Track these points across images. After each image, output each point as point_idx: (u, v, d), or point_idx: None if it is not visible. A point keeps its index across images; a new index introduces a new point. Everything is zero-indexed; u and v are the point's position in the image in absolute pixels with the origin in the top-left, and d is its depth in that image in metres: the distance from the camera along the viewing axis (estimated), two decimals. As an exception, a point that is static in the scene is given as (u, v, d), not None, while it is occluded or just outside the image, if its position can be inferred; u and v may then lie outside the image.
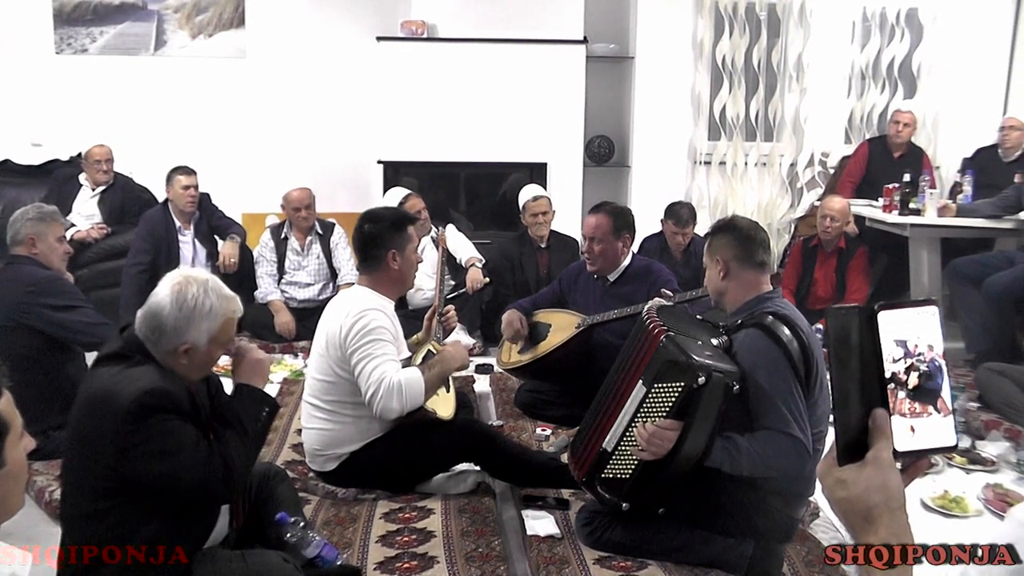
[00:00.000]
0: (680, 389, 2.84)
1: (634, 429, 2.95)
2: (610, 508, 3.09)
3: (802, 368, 2.88)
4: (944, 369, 1.10)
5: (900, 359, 1.08)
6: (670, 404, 2.87)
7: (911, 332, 1.09)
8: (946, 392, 1.10)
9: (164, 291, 2.50)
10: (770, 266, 3.15)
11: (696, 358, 2.81)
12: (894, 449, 1.07)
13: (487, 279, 5.93)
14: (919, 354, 1.09)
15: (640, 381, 2.97)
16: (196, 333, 2.50)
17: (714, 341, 2.96)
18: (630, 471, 3.00)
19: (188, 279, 2.53)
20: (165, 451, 2.39)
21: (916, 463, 1.12)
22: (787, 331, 2.90)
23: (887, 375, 1.08)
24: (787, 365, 2.86)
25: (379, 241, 3.57)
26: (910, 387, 1.09)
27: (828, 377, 2.99)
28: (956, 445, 1.10)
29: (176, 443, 2.41)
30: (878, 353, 1.08)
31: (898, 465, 1.09)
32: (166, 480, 2.41)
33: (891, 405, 1.08)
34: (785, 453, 2.84)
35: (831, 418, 2.34)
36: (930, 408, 1.09)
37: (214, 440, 2.54)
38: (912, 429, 1.08)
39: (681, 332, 2.96)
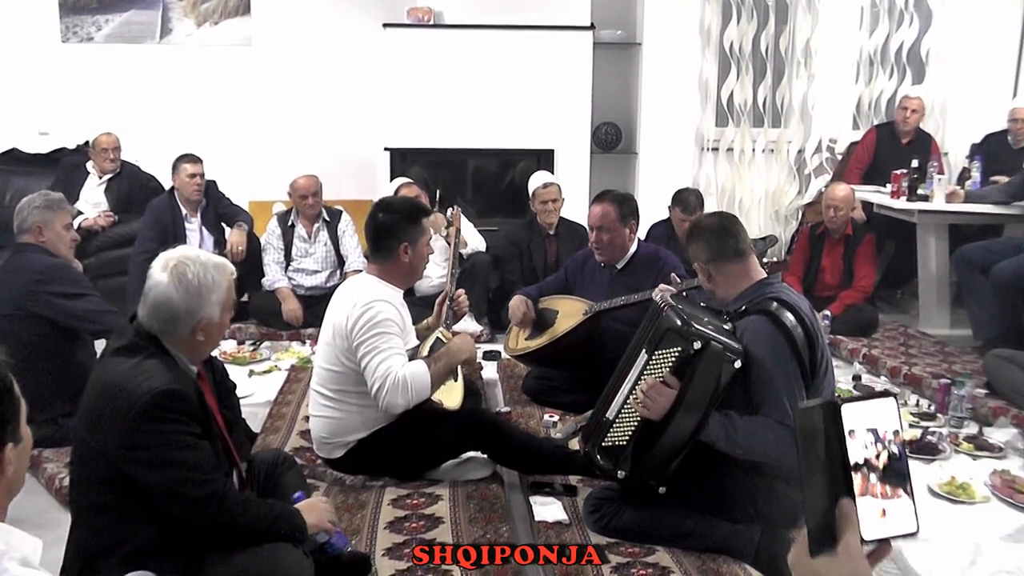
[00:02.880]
0: (678, 354, 2.90)
1: (634, 395, 3.00)
2: (608, 477, 3.12)
3: (806, 354, 2.89)
4: (906, 455, 1.17)
5: (872, 444, 1.16)
6: (668, 368, 2.92)
7: (877, 421, 1.16)
8: (910, 476, 1.17)
9: (163, 279, 2.49)
10: (751, 250, 3.14)
11: (696, 326, 2.86)
12: (861, 538, 1.14)
13: (467, 245, 5.97)
14: (888, 440, 1.16)
15: (643, 350, 3.03)
16: (208, 308, 2.52)
17: (727, 328, 2.97)
18: (628, 437, 3.03)
19: (180, 261, 2.52)
20: (165, 463, 2.39)
21: (880, 548, 1.18)
22: (791, 317, 2.91)
23: (860, 461, 1.15)
24: (790, 353, 2.88)
25: (392, 232, 3.55)
26: (881, 470, 1.16)
27: (832, 362, 3.03)
28: (917, 531, 1.15)
29: (178, 459, 2.40)
30: (843, 445, 1.15)
31: (866, 549, 1.16)
32: (157, 491, 2.41)
33: (865, 488, 1.15)
34: (779, 442, 2.84)
35: None
36: (900, 491, 1.16)
37: (230, 484, 2.54)
38: (884, 512, 1.15)
39: (689, 312, 2.98)
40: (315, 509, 2.72)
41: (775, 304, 2.95)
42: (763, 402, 2.89)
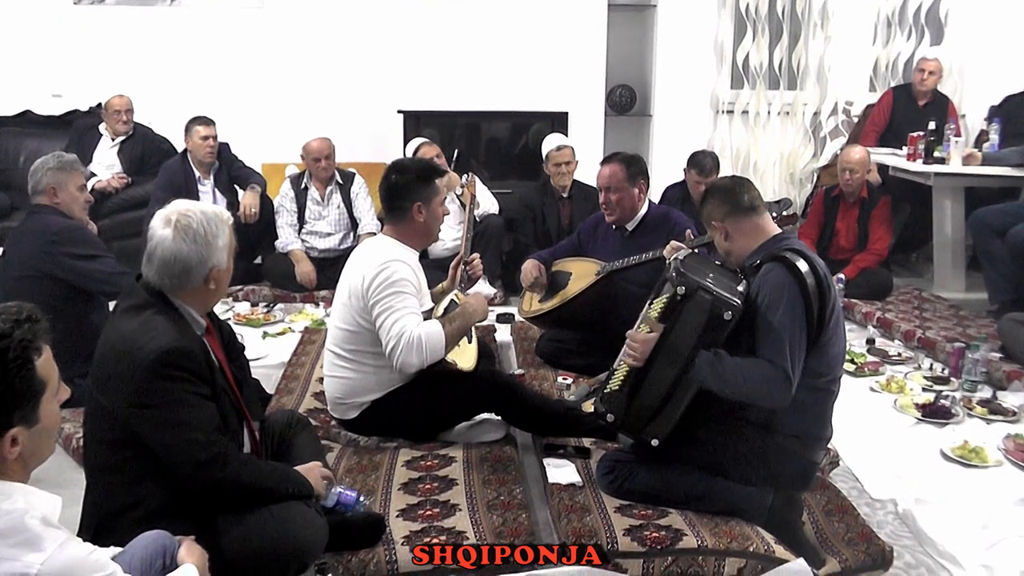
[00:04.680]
0: (666, 301, 2.98)
1: None
2: (600, 419, 3.18)
3: (816, 302, 2.89)
4: None
5: None
6: (656, 315, 3.00)
7: None
8: None
9: (167, 235, 2.49)
10: (764, 207, 3.14)
11: (689, 276, 2.92)
12: None
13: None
14: None
15: (647, 303, 3.11)
16: (218, 255, 2.54)
17: (739, 288, 2.96)
18: (620, 382, 3.09)
19: (182, 214, 2.52)
20: (170, 423, 2.40)
21: None
22: (805, 265, 2.91)
23: None
24: (801, 300, 2.87)
25: (405, 192, 3.54)
26: None
27: (843, 316, 3.03)
28: None
29: (182, 419, 2.41)
30: None
31: None
32: (162, 451, 2.42)
33: None
34: (769, 382, 2.85)
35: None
36: None
37: (232, 445, 2.56)
38: None
39: (697, 265, 3.02)
40: (309, 474, 2.74)
41: (789, 253, 2.96)
42: (763, 344, 2.89)
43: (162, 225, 2.52)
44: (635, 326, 3.12)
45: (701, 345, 2.91)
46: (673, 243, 3.99)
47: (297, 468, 2.74)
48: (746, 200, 3.09)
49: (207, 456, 2.43)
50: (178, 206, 2.57)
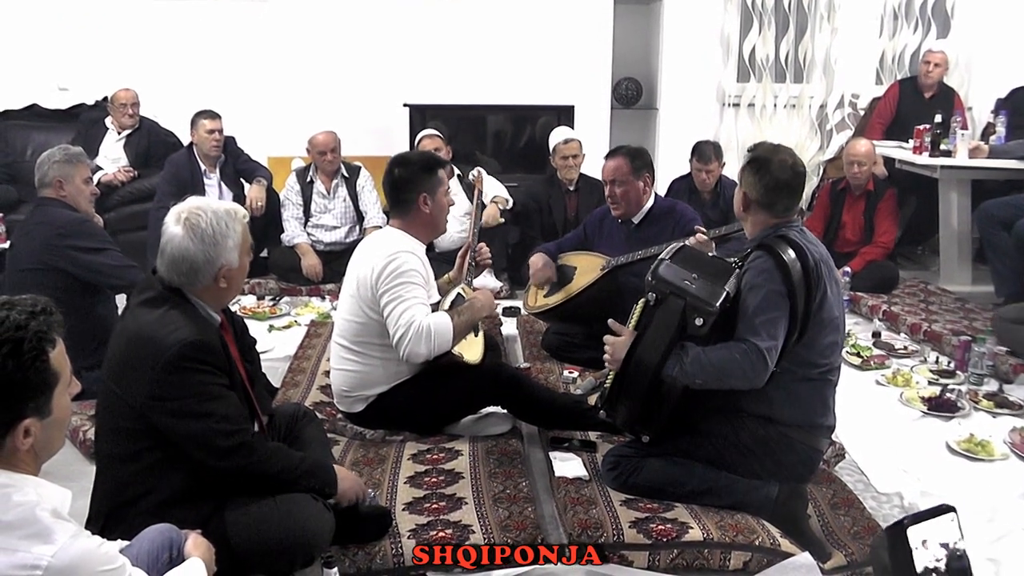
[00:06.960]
0: (643, 305, 3.07)
1: None
2: (595, 410, 3.34)
3: (802, 291, 2.90)
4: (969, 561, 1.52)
5: (941, 559, 1.54)
6: (635, 319, 3.10)
7: (944, 535, 1.55)
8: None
9: (177, 232, 2.50)
10: (795, 209, 3.15)
11: (666, 278, 2.98)
12: None
13: (502, 219, 5.94)
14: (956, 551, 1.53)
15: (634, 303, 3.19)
16: (227, 254, 2.54)
17: (727, 287, 2.95)
18: (612, 379, 3.16)
19: (192, 212, 2.53)
20: (194, 414, 2.42)
21: None
22: (792, 253, 2.93)
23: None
24: (783, 288, 2.89)
25: (409, 185, 3.56)
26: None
27: (838, 301, 3.01)
28: None
29: (207, 410, 2.43)
30: (910, 563, 1.53)
31: None
32: (187, 441, 2.44)
33: None
34: (740, 361, 2.87)
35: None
36: None
37: (259, 434, 2.60)
38: None
39: (682, 266, 3.03)
40: (347, 479, 2.78)
41: (778, 241, 2.98)
42: (739, 321, 2.93)
43: (173, 222, 2.53)
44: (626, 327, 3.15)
45: (669, 348, 2.95)
46: (699, 236, 4.00)
47: (339, 471, 2.78)
48: (781, 205, 3.08)
49: (233, 443, 2.46)
50: (191, 203, 2.58)
